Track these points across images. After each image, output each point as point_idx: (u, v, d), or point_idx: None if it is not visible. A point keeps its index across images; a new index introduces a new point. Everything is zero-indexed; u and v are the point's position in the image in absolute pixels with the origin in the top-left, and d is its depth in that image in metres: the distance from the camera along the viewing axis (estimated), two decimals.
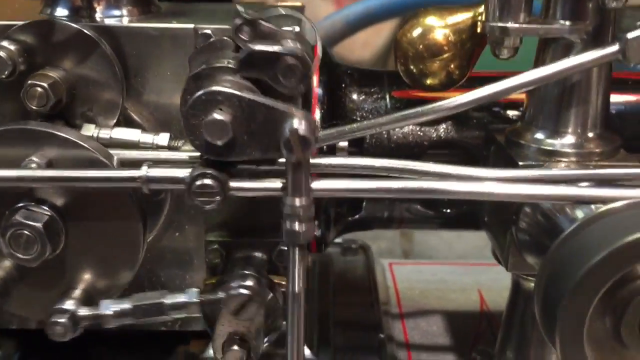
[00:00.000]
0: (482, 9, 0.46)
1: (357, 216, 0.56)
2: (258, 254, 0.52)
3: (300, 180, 0.38)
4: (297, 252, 0.39)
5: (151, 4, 0.50)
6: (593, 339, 0.37)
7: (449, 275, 0.74)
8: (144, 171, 0.40)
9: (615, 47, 0.41)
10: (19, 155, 0.42)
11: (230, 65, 0.39)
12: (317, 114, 0.51)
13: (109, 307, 0.43)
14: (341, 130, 0.44)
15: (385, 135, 0.52)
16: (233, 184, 0.40)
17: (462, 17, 0.47)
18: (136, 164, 0.43)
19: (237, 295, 0.43)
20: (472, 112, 0.52)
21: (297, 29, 0.44)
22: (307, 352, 0.52)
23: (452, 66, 0.47)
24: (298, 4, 0.57)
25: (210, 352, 0.46)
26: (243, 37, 0.38)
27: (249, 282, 0.44)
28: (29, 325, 0.48)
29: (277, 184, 0.40)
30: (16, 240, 0.41)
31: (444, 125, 0.53)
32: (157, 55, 0.46)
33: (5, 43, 0.43)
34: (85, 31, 0.44)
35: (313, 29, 0.42)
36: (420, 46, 0.47)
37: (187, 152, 0.43)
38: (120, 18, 0.47)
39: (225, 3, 0.57)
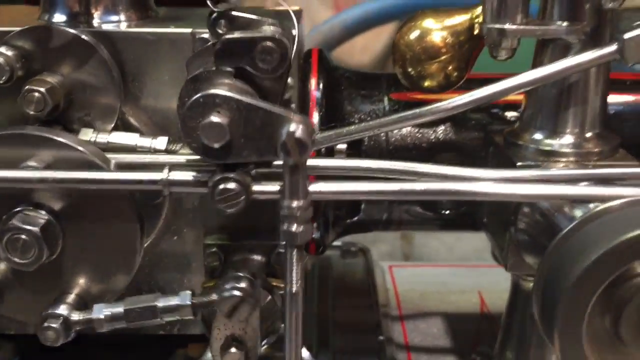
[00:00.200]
0: (479, 10, 0.46)
1: (355, 218, 0.55)
2: (256, 257, 0.51)
3: (297, 182, 0.38)
4: (294, 253, 0.39)
5: (149, 9, 0.50)
6: (592, 337, 0.37)
7: (449, 277, 0.74)
8: (165, 174, 0.40)
9: (613, 47, 0.41)
10: (16, 159, 0.42)
11: (227, 69, 0.39)
12: (316, 117, 0.51)
13: (102, 311, 0.43)
14: (339, 133, 0.44)
15: (384, 138, 0.52)
16: (259, 187, 0.40)
17: (459, 19, 0.47)
18: (133, 167, 0.43)
19: (229, 297, 0.43)
20: (471, 113, 0.52)
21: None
22: (306, 354, 0.52)
23: (450, 68, 0.47)
24: (296, 7, 0.57)
25: (209, 355, 0.46)
26: (219, 30, 0.38)
27: (242, 284, 0.43)
28: (27, 330, 0.48)
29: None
30: (13, 245, 0.41)
31: (442, 127, 0.53)
32: (154, 60, 0.46)
33: (3, 49, 0.43)
34: (83, 36, 0.44)
35: (293, 18, 0.43)
36: (418, 48, 0.47)
37: (184, 156, 0.43)
38: (118, 23, 0.47)
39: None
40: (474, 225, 0.54)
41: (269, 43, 0.38)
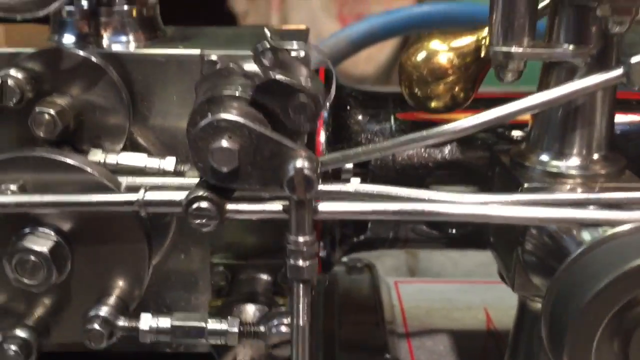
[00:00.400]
0: (485, 32, 0.46)
1: (362, 237, 0.56)
2: (263, 276, 0.52)
3: (303, 218, 0.38)
4: (301, 287, 0.40)
5: (157, 29, 0.50)
6: None
7: (455, 293, 0.74)
8: (141, 195, 0.41)
9: (619, 71, 0.41)
10: (26, 181, 0.42)
11: (239, 94, 0.39)
12: (323, 136, 0.51)
13: (148, 322, 0.43)
14: (346, 154, 0.44)
15: (391, 157, 0.53)
16: (232, 206, 0.40)
17: (465, 40, 0.47)
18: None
19: (279, 334, 0.43)
20: (477, 133, 0.52)
21: (302, 53, 0.44)
22: None
23: (456, 89, 0.47)
24: (302, 27, 0.57)
25: None
26: (265, 62, 0.38)
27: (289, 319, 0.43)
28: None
29: (275, 206, 0.40)
30: (22, 266, 0.41)
31: (449, 147, 0.53)
32: (163, 81, 0.46)
33: (13, 71, 0.43)
34: (92, 58, 0.44)
35: (319, 54, 0.43)
36: (425, 70, 0.47)
37: (193, 178, 0.44)
38: (127, 44, 0.47)
39: (229, 27, 0.57)
40: (480, 244, 0.54)
41: (306, 99, 0.38)
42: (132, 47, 0.47)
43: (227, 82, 0.40)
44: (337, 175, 0.50)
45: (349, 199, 0.42)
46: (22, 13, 0.42)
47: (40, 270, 0.41)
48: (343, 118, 0.53)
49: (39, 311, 0.44)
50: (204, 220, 0.39)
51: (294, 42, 0.41)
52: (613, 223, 0.39)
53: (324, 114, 0.52)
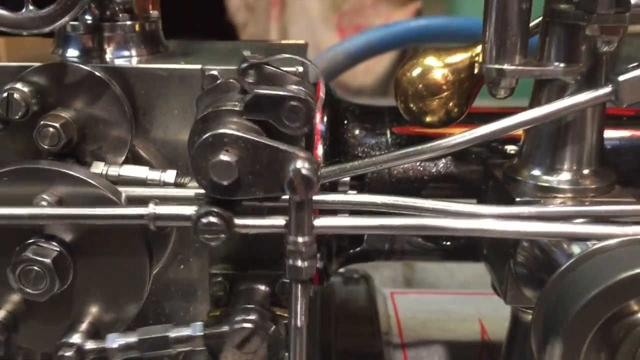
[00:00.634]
0: (479, 49, 0.47)
1: (358, 249, 0.57)
2: (261, 287, 0.52)
3: (303, 219, 0.39)
4: (299, 287, 0.40)
5: (159, 44, 0.51)
6: None
7: (450, 305, 0.74)
8: (151, 209, 0.42)
9: (608, 89, 0.42)
10: (30, 193, 0.43)
11: (236, 108, 0.40)
12: (320, 150, 0.52)
13: (115, 341, 0.44)
14: (343, 168, 0.46)
15: (386, 170, 0.54)
16: (237, 221, 0.41)
17: (459, 57, 0.48)
18: (144, 200, 0.44)
19: (240, 329, 0.44)
20: (471, 147, 0.54)
21: (300, 69, 0.46)
22: None
23: (450, 104, 0.49)
24: (301, 42, 0.58)
25: None
26: (249, 80, 0.40)
27: (253, 316, 0.45)
28: (34, 358, 0.49)
29: (280, 221, 0.41)
30: (26, 276, 0.42)
31: (443, 161, 0.54)
32: (165, 95, 0.47)
33: (19, 85, 0.44)
34: (96, 73, 0.45)
35: (315, 68, 0.44)
36: (420, 85, 0.48)
37: (193, 189, 0.45)
38: (130, 58, 0.49)
39: (229, 42, 0.59)
40: (474, 257, 0.55)
41: (295, 103, 0.39)
42: (134, 62, 0.48)
43: (225, 97, 0.41)
44: (334, 188, 0.51)
45: (348, 210, 0.43)
46: (29, 29, 0.43)
47: (43, 280, 0.42)
48: (340, 132, 0.55)
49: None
50: (212, 235, 0.40)
51: (285, 55, 0.42)
52: (600, 237, 0.40)
53: (321, 127, 0.53)
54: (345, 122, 0.55)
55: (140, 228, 0.44)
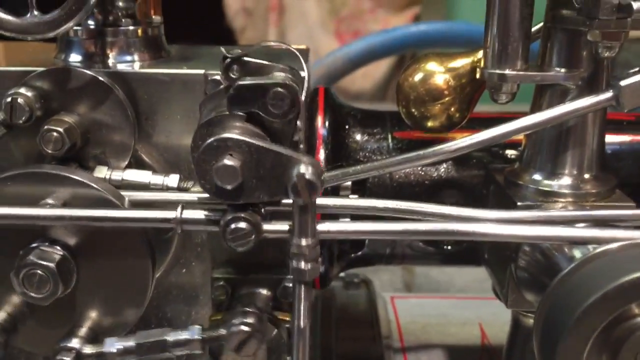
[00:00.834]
0: (480, 54, 0.47)
1: (360, 253, 0.57)
2: (263, 291, 0.53)
3: (306, 222, 0.39)
4: (302, 289, 0.41)
5: (162, 49, 0.51)
6: None
7: (450, 309, 0.74)
8: (178, 212, 0.42)
9: (609, 94, 0.43)
10: (34, 197, 0.43)
11: (240, 113, 0.40)
12: (322, 154, 0.52)
13: (114, 345, 0.44)
14: (345, 172, 0.46)
15: (388, 175, 0.54)
16: (269, 226, 0.41)
17: (461, 62, 0.48)
18: (147, 205, 0.44)
19: (237, 332, 0.44)
20: (472, 152, 0.54)
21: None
22: None
23: (452, 109, 0.49)
24: (303, 46, 0.59)
25: None
26: (232, 75, 0.40)
27: (250, 319, 0.45)
28: None
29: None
30: (29, 280, 0.42)
31: (444, 165, 0.54)
32: (167, 99, 0.47)
33: (23, 90, 0.44)
34: (100, 77, 0.46)
35: (301, 60, 0.44)
36: (422, 90, 0.49)
37: (196, 194, 0.45)
38: (132, 63, 0.49)
39: (231, 47, 0.59)
40: (475, 261, 0.55)
41: (279, 89, 0.39)
42: (137, 67, 0.49)
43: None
44: (335, 193, 0.52)
45: (350, 213, 0.43)
46: (33, 34, 0.43)
47: (46, 283, 0.42)
48: (342, 136, 0.55)
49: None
50: (241, 241, 0.40)
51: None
52: (602, 241, 0.40)
53: (323, 132, 0.53)
54: (347, 126, 0.55)
55: (142, 232, 0.44)
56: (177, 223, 0.42)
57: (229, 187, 0.39)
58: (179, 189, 0.46)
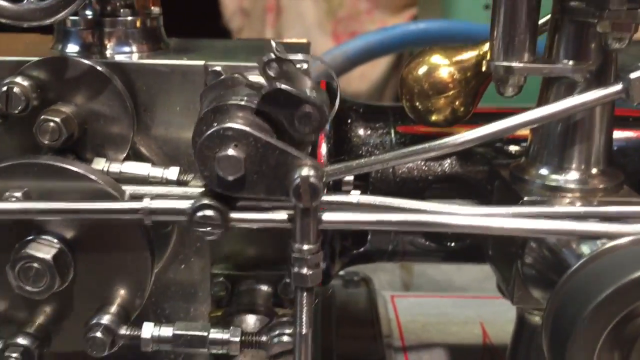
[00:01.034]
0: (486, 47, 0.46)
1: (362, 249, 0.56)
2: (263, 287, 0.52)
3: (308, 226, 0.39)
4: (304, 295, 0.40)
5: (160, 40, 0.50)
6: None
7: (451, 308, 0.74)
8: (146, 203, 0.41)
9: (618, 87, 0.42)
10: (30, 188, 0.42)
11: (245, 103, 0.39)
12: (324, 149, 0.52)
13: (151, 331, 0.43)
14: (348, 166, 0.45)
15: (391, 170, 0.53)
16: (237, 215, 0.40)
17: (467, 55, 0.48)
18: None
19: (281, 343, 0.43)
20: (476, 147, 0.53)
21: (305, 66, 0.45)
22: None
23: (456, 103, 0.48)
24: (304, 40, 0.58)
25: None
26: (270, 73, 0.39)
27: (290, 329, 0.44)
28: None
29: (280, 215, 0.40)
30: (25, 273, 0.41)
31: (448, 161, 0.53)
32: (167, 91, 0.46)
33: (19, 79, 0.43)
34: (98, 67, 0.45)
35: (329, 68, 0.43)
36: (426, 83, 0.48)
37: (196, 187, 0.44)
38: (130, 54, 0.48)
39: (230, 40, 0.58)
40: (478, 258, 0.54)
41: (311, 109, 0.38)
42: (135, 58, 0.48)
43: (232, 92, 0.41)
44: (337, 187, 0.51)
45: (352, 210, 0.42)
46: (29, 21, 0.42)
47: (43, 277, 0.41)
48: (344, 131, 0.54)
49: (40, 319, 0.44)
50: (208, 229, 0.39)
51: (299, 54, 0.42)
52: (612, 236, 0.40)
53: (326, 126, 0.52)
54: (349, 121, 0.54)
55: (142, 225, 0.43)
56: (145, 214, 0.40)
57: (230, 178, 0.38)
58: (179, 182, 0.45)
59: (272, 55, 0.39)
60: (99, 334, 0.42)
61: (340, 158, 0.51)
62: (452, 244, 0.55)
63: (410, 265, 0.96)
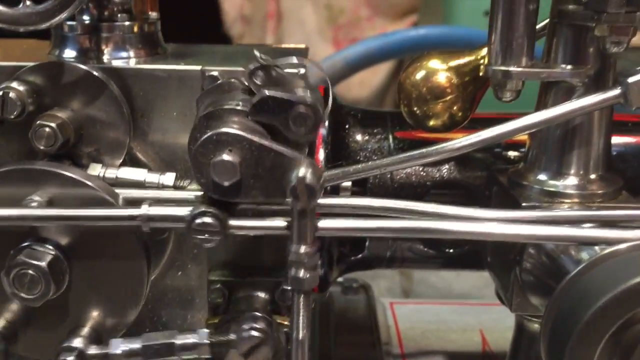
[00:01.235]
0: (484, 52, 0.46)
1: (360, 256, 0.56)
2: (261, 294, 0.51)
3: (305, 227, 0.38)
4: (301, 298, 0.39)
5: (158, 45, 0.50)
6: None
7: (450, 315, 0.73)
8: (144, 209, 0.40)
9: (616, 91, 0.42)
10: (25, 194, 0.42)
11: (240, 108, 0.39)
12: (322, 154, 0.51)
13: (119, 347, 0.42)
14: (346, 171, 0.45)
15: (389, 175, 0.53)
16: (236, 222, 0.40)
17: (464, 60, 0.48)
18: (141, 202, 0.43)
19: (249, 338, 0.42)
20: (474, 153, 0.53)
21: (302, 71, 0.45)
22: None
23: (454, 108, 0.48)
24: (302, 46, 0.58)
25: None
26: (256, 82, 0.39)
27: (261, 324, 0.43)
28: None
29: (276, 222, 0.40)
30: (20, 280, 0.41)
31: (446, 166, 0.53)
32: (163, 96, 0.46)
33: (14, 84, 0.43)
34: (94, 72, 0.45)
35: (322, 73, 0.43)
36: (424, 88, 0.48)
37: (192, 192, 0.44)
38: (128, 59, 0.48)
39: (228, 45, 0.58)
40: (477, 264, 0.54)
41: (304, 109, 0.38)
42: (132, 63, 0.47)
43: (228, 97, 0.40)
44: (335, 193, 0.50)
45: (350, 216, 0.42)
46: (25, 25, 0.42)
47: (38, 284, 0.41)
48: (342, 136, 0.54)
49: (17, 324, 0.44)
50: (207, 236, 0.39)
51: (293, 57, 0.42)
52: (611, 242, 0.39)
53: (323, 132, 0.52)
54: (347, 126, 0.54)
55: (137, 230, 0.42)
56: (143, 220, 0.40)
57: (225, 183, 0.38)
58: (175, 188, 0.45)
59: (257, 64, 0.38)
60: (69, 358, 0.42)
61: (338, 164, 0.51)
62: (451, 251, 0.55)
63: (410, 272, 0.96)
